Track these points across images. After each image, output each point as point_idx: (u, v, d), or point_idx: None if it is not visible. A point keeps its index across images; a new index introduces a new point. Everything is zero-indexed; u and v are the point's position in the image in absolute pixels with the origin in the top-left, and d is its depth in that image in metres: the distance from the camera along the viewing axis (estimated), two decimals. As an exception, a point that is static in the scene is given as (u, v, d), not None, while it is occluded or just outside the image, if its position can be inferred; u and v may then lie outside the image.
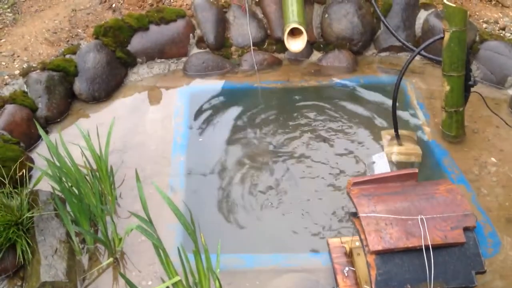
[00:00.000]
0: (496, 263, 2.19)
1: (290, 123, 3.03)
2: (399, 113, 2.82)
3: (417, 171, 2.04)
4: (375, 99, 3.20)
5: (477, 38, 3.20)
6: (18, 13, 3.51)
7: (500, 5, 3.40)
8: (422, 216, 1.84)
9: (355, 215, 1.93)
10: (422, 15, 3.41)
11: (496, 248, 2.29)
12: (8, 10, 3.54)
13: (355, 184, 2.02)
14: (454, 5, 2.46)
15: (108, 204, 2.42)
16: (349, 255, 2.16)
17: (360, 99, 3.22)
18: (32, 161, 2.61)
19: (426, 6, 3.43)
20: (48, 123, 2.94)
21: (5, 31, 3.36)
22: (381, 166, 2.45)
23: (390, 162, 2.61)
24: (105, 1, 3.43)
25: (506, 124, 2.71)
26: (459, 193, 1.93)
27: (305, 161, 2.76)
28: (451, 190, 1.95)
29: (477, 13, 3.43)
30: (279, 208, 2.49)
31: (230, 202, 2.54)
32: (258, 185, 2.62)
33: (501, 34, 3.21)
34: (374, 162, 2.52)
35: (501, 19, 3.30)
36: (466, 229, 1.84)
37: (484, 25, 3.28)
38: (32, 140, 2.79)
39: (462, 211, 1.87)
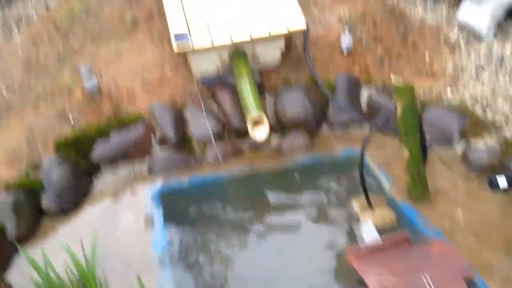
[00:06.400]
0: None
1: (266, 207, 3.12)
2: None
3: (409, 235, 2.15)
4: (338, 172, 3.38)
5: (419, 106, 3.51)
6: (-29, 139, 3.44)
7: (431, 75, 3.78)
8: (426, 275, 1.94)
9: (362, 283, 1.99)
10: (365, 92, 3.72)
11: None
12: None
13: (355, 255, 2.10)
14: (401, 82, 2.74)
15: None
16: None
17: (325, 174, 3.39)
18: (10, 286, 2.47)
19: (366, 84, 3.75)
20: (20, 242, 2.81)
21: (-41, 158, 3.26)
22: (369, 232, 2.55)
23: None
24: (62, 117, 3.45)
25: (463, 179, 2.95)
26: (452, 248, 2.05)
27: (293, 244, 2.83)
28: (444, 246, 2.07)
29: (413, 83, 3.78)
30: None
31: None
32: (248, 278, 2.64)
33: (439, 100, 3.55)
34: (361, 230, 2.62)
35: (435, 87, 3.67)
36: (466, 280, 1.94)
37: (422, 94, 3.62)
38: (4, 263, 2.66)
39: (459, 265, 1.98)
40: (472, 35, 4.23)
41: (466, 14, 4.29)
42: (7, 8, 5.75)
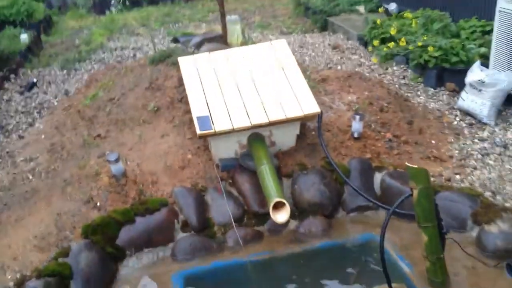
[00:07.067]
0: None
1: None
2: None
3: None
4: (357, 257, 3.48)
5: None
6: (-1, 225, 3.55)
7: (439, 160, 3.99)
8: None
9: None
10: (378, 176, 3.90)
11: None
12: (-13, 223, 3.57)
13: None
14: (415, 166, 2.91)
15: None
16: None
17: (343, 259, 3.48)
18: None
19: (379, 168, 3.93)
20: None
21: (-12, 244, 3.35)
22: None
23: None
24: (89, 202, 3.58)
25: (480, 264, 3.06)
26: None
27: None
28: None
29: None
30: None
31: None
32: None
33: (449, 184, 3.72)
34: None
35: (444, 172, 3.86)
36: None
37: (432, 179, 3.79)
38: None
39: None
40: (474, 121, 4.50)
41: (467, 101, 4.58)
42: (27, 94, 6.04)
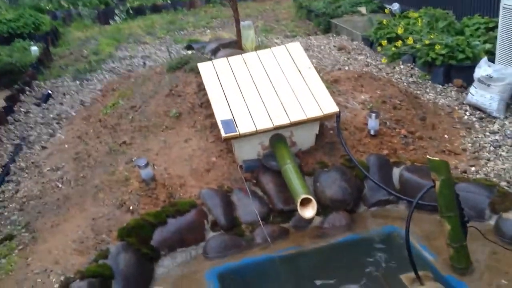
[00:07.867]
0: None
1: (316, 283, 3.34)
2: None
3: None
4: (381, 248, 3.63)
5: (447, 182, 3.84)
6: (35, 232, 3.68)
7: (453, 153, 4.15)
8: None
9: None
10: (396, 171, 4.06)
11: None
12: (24, 230, 3.71)
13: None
14: (436, 158, 3.07)
15: None
16: None
17: (368, 251, 3.62)
18: None
19: (397, 164, 4.09)
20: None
21: (27, 250, 3.49)
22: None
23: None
24: (122, 206, 3.72)
25: (500, 250, 3.21)
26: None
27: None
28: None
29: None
30: None
31: None
32: None
33: (465, 176, 3.88)
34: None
35: (459, 164, 4.02)
36: None
37: (448, 171, 3.96)
38: None
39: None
40: (484, 115, 4.67)
41: (476, 96, 4.75)
42: (44, 106, 6.19)
